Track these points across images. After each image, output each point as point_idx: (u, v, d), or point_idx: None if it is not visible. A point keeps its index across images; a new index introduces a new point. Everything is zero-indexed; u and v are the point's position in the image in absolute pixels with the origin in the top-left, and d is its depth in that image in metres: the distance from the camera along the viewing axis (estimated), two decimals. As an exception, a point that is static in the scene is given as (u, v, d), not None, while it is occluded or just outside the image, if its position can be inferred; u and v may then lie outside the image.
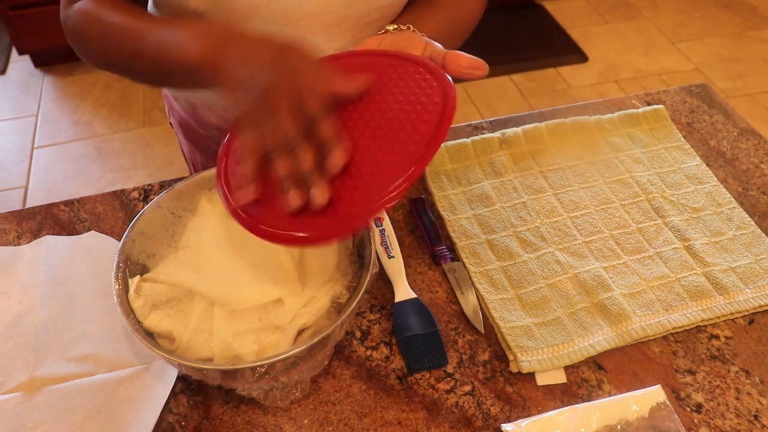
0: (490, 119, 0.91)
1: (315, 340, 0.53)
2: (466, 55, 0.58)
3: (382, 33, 0.65)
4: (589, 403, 0.60)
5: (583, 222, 0.76)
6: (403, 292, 0.69)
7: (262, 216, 0.52)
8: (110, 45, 0.66)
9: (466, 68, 0.57)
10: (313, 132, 0.51)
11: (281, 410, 0.61)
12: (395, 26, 0.66)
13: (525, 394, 0.62)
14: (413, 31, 0.65)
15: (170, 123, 0.97)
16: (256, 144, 0.52)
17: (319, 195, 0.49)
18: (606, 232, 0.75)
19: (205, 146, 0.90)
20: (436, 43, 0.60)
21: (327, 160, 0.50)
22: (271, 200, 0.53)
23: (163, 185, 0.81)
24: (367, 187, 0.50)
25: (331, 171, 0.50)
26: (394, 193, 0.49)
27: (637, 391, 0.61)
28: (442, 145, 0.83)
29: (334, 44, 0.73)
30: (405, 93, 0.55)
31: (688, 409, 0.61)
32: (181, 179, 0.67)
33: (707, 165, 0.84)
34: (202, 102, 0.79)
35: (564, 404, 0.61)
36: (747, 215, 0.77)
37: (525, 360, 0.62)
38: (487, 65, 0.58)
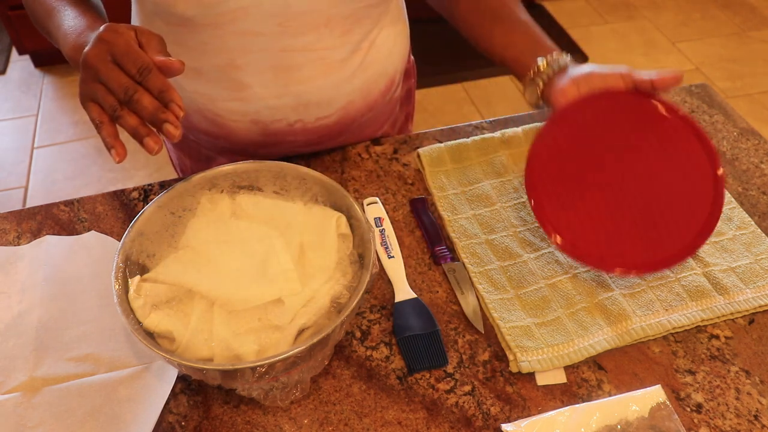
0: (490, 119, 0.91)
1: (315, 340, 0.53)
2: (667, 74, 0.65)
3: (556, 77, 0.70)
4: (589, 403, 0.60)
5: (583, 222, 0.76)
6: (403, 292, 0.69)
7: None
8: (35, 17, 0.73)
9: (674, 86, 0.67)
10: (147, 82, 0.55)
11: (281, 410, 0.61)
12: (544, 59, 0.71)
13: (525, 394, 0.62)
14: (590, 66, 0.70)
15: None
16: (99, 107, 0.56)
17: (172, 129, 0.54)
18: (606, 232, 0.75)
19: (195, 151, 0.90)
20: (640, 72, 0.66)
21: (170, 106, 0.54)
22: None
23: (163, 185, 0.81)
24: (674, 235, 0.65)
25: (179, 114, 0.55)
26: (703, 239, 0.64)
27: (637, 391, 0.61)
28: (442, 144, 0.83)
29: (322, 43, 0.73)
30: (665, 148, 0.68)
31: (688, 409, 0.61)
32: (181, 179, 0.67)
33: (707, 165, 0.84)
34: (192, 106, 0.79)
35: (564, 404, 0.61)
36: (747, 215, 0.77)
37: (525, 360, 0.62)
38: (678, 71, 0.66)
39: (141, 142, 0.55)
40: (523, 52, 0.74)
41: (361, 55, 0.78)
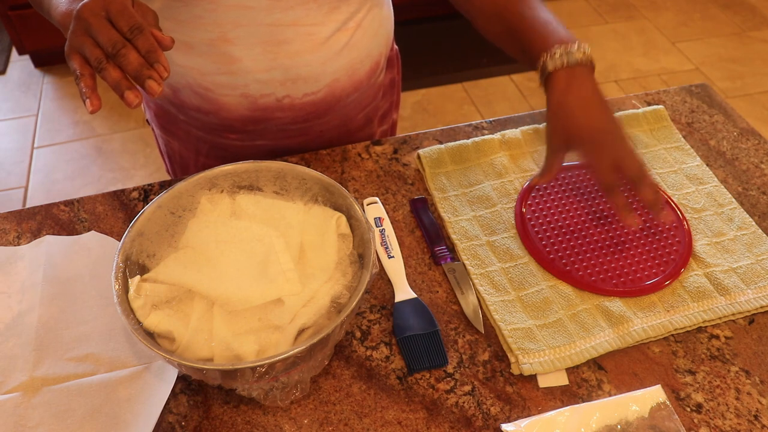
0: (490, 119, 0.91)
1: (315, 340, 0.53)
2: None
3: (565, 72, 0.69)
4: (589, 403, 0.60)
5: (583, 222, 0.76)
6: (403, 292, 0.69)
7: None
8: None
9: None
10: (136, 41, 0.55)
11: (281, 410, 0.61)
12: (555, 51, 0.69)
13: (525, 394, 0.62)
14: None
15: (146, 120, 0.98)
16: (82, 59, 0.56)
17: (154, 85, 0.55)
18: (606, 233, 0.75)
19: (183, 133, 0.90)
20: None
21: (155, 66, 0.55)
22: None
23: (163, 185, 0.81)
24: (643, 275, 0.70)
25: (163, 75, 0.55)
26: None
27: (637, 391, 0.61)
28: (442, 146, 0.83)
29: (310, 19, 0.75)
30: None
31: (688, 409, 0.61)
32: (181, 179, 0.67)
33: (707, 165, 0.84)
34: (182, 81, 0.80)
35: (564, 404, 0.61)
36: (748, 216, 0.77)
37: (527, 362, 0.62)
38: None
39: (121, 96, 0.55)
40: (534, 42, 0.72)
41: (348, 34, 0.79)
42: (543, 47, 0.69)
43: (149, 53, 0.55)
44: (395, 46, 0.97)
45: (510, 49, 0.77)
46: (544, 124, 0.86)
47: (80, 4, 0.57)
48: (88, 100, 0.56)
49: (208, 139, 0.88)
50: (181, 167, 0.97)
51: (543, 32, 0.71)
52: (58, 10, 0.64)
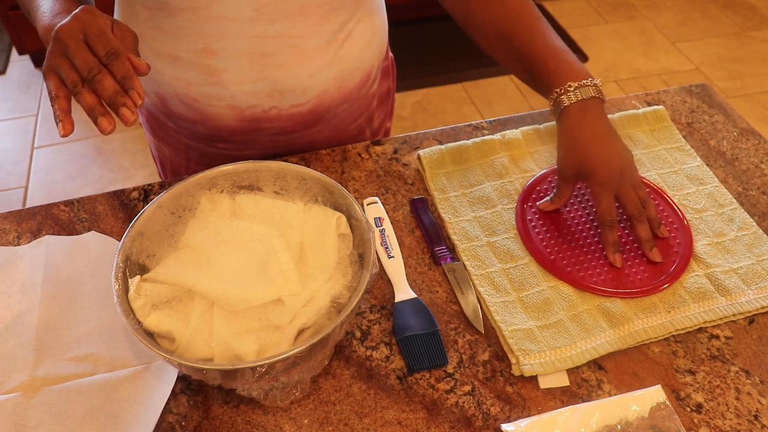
0: (490, 119, 0.91)
1: (315, 340, 0.53)
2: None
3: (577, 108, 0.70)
4: (589, 403, 0.60)
5: (583, 222, 0.76)
6: (403, 292, 0.69)
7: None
8: (20, 1, 0.74)
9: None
10: (112, 66, 0.55)
11: (281, 410, 0.61)
12: (569, 88, 0.70)
13: (525, 394, 0.62)
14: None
15: (140, 123, 0.98)
16: (59, 80, 0.56)
17: (128, 113, 0.55)
18: (606, 233, 0.75)
19: (173, 140, 0.90)
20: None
21: (130, 93, 0.55)
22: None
23: (163, 185, 0.81)
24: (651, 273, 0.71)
25: (137, 102, 0.56)
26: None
27: (637, 391, 0.61)
28: (443, 146, 0.83)
29: (297, 31, 0.74)
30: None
31: (688, 409, 0.61)
32: (181, 179, 0.67)
33: (707, 165, 0.84)
34: (170, 91, 0.79)
35: (564, 404, 0.61)
36: (748, 216, 0.77)
37: (527, 363, 0.62)
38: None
39: (95, 121, 0.55)
40: (549, 75, 0.73)
41: (337, 46, 0.78)
42: (557, 81, 0.71)
43: (125, 79, 0.55)
44: (390, 55, 0.96)
45: (516, 71, 0.78)
46: (545, 124, 0.86)
47: (59, 25, 0.57)
48: (60, 124, 0.55)
49: (198, 148, 0.88)
50: (172, 173, 0.96)
51: (556, 64, 0.72)
52: (41, 23, 0.64)
